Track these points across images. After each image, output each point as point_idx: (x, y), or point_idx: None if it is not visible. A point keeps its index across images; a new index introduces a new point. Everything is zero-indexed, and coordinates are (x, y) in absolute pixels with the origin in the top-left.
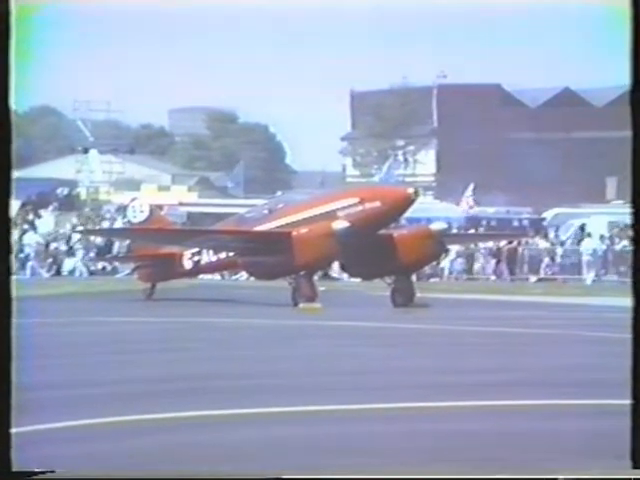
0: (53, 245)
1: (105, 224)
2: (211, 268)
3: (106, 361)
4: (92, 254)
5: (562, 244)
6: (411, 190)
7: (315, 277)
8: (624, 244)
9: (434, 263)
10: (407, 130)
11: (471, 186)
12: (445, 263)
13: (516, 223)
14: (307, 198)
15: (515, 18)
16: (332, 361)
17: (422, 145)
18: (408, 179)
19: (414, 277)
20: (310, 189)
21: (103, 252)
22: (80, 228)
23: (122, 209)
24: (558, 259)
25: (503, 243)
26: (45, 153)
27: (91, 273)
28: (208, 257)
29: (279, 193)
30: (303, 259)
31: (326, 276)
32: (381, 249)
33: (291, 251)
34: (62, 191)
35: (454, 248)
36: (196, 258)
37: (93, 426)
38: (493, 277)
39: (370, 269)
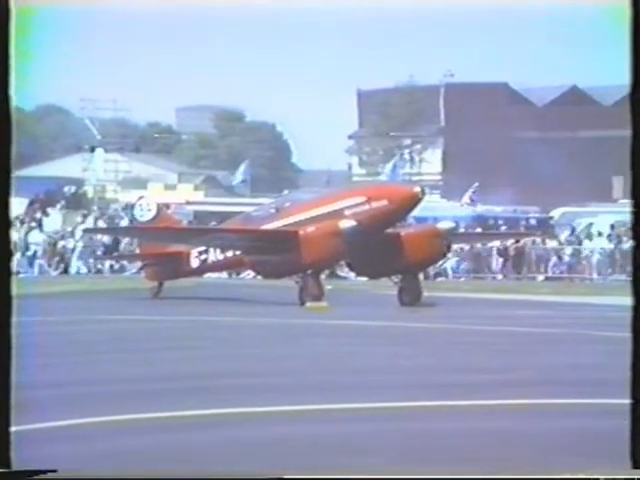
0: (61, 243)
1: (113, 223)
2: (218, 267)
3: (111, 359)
4: (99, 252)
5: (570, 243)
6: (418, 189)
7: (322, 276)
8: (632, 243)
9: (440, 262)
10: (414, 129)
11: (475, 184)
12: (451, 262)
13: (523, 222)
14: (314, 197)
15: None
16: (338, 360)
17: (428, 144)
18: (414, 178)
19: (421, 276)
20: (316, 188)
21: (110, 250)
22: (87, 226)
23: (129, 208)
24: (566, 258)
25: (510, 242)
26: (52, 152)
27: (97, 271)
28: (215, 256)
29: (285, 192)
30: (310, 258)
31: (333, 275)
32: (388, 248)
33: (298, 250)
34: (69, 189)
35: (461, 247)
36: (203, 257)
37: (97, 424)
38: (500, 276)
39: (377, 268)
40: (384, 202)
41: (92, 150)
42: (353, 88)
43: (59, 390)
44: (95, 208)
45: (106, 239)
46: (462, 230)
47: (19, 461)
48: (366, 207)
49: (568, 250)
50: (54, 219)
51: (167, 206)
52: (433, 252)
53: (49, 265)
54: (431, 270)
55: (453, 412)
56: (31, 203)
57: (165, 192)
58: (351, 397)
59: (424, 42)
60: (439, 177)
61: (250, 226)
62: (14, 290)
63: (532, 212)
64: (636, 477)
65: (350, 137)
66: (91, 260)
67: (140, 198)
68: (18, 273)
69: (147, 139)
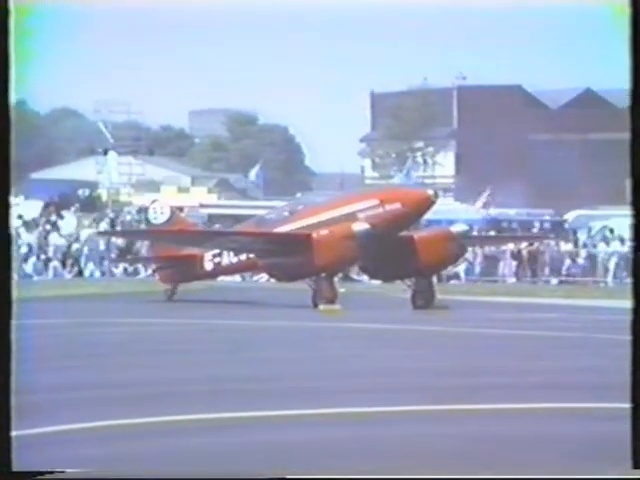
0: (75, 246)
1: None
2: (232, 270)
3: (124, 363)
4: (113, 255)
5: (584, 246)
6: (431, 192)
7: (335, 279)
8: (632, 244)
9: (454, 265)
10: (426, 132)
11: (488, 189)
12: (465, 265)
13: (537, 225)
14: (327, 200)
15: (536, 18)
16: (352, 363)
17: (441, 147)
18: (427, 181)
19: (434, 279)
20: (330, 191)
21: (124, 253)
22: (101, 229)
23: (143, 211)
24: (580, 261)
25: (524, 245)
26: (66, 154)
27: (111, 274)
28: (229, 259)
29: (299, 195)
30: (323, 261)
31: (346, 278)
32: (401, 251)
33: (311, 253)
34: (84, 192)
35: (475, 250)
36: (217, 260)
37: (107, 428)
38: (513, 279)
39: (390, 271)
40: (397, 205)
41: (105, 153)
42: (366, 91)
43: (73, 393)
44: (109, 211)
45: (120, 242)
46: (475, 233)
47: (20, 465)
48: (379, 210)
49: (583, 253)
50: (69, 222)
51: (180, 209)
52: (446, 255)
53: (63, 268)
54: (444, 273)
55: (465, 416)
56: (46, 206)
57: (178, 195)
58: (365, 400)
59: (437, 45)
60: (452, 180)
61: (263, 229)
62: (28, 293)
63: (546, 215)
64: (636, 477)
65: (362, 140)
66: (105, 263)
67: (153, 201)
68: (32, 276)
69: (160, 142)
